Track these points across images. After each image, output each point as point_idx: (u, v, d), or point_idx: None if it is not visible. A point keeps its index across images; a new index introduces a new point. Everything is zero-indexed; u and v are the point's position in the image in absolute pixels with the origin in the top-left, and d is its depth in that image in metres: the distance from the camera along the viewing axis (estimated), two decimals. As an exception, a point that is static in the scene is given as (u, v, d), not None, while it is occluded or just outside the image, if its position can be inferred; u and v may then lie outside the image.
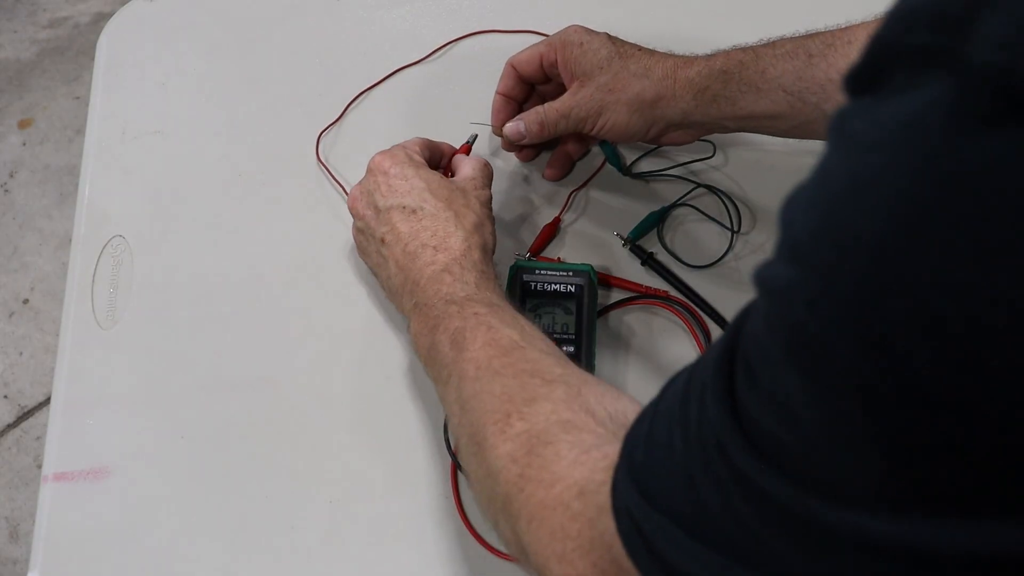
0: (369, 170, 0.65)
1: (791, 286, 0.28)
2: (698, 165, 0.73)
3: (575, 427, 0.46)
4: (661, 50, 0.67)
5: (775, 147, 0.73)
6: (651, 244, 0.71)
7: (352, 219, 0.67)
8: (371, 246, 0.65)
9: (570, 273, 0.66)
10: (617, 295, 0.69)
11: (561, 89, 0.70)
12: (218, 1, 0.87)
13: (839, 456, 0.28)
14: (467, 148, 0.72)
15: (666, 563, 0.34)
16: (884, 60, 0.27)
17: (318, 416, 0.67)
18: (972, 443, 0.26)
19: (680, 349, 0.68)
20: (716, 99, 0.64)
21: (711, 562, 0.33)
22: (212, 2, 0.87)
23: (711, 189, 0.72)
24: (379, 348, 0.69)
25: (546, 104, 0.68)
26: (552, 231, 0.72)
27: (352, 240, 0.71)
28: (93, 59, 0.85)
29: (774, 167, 0.74)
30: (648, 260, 0.70)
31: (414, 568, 0.62)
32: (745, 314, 0.33)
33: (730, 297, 0.68)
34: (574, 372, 0.51)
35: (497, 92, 0.72)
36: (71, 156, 1.82)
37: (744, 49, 0.64)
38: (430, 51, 0.81)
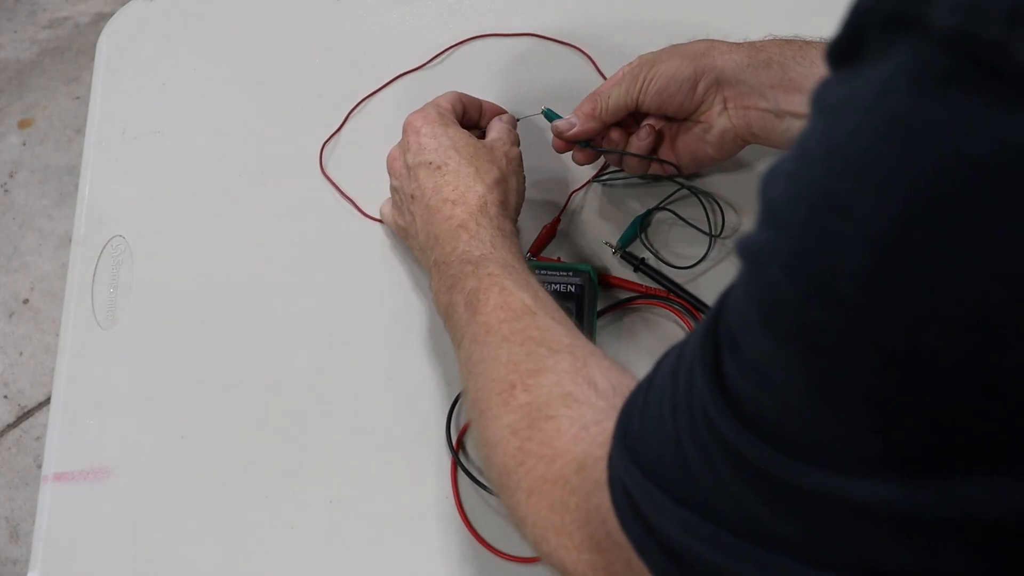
0: (404, 129, 0.66)
1: (766, 248, 0.29)
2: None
3: (576, 400, 0.46)
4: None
5: (761, 152, 0.73)
6: (642, 250, 0.71)
7: (389, 178, 0.68)
8: (403, 204, 0.66)
9: (570, 273, 0.66)
10: (617, 295, 0.69)
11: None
12: (218, 1, 0.87)
13: (815, 419, 0.29)
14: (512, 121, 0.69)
15: (651, 527, 0.35)
16: (860, 30, 0.28)
17: (318, 416, 0.67)
18: (943, 402, 0.26)
19: (680, 349, 0.67)
20: (770, 62, 0.62)
21: (692, 525, 0.33)
22: (212, 2, 0.87)
23: (692, 191, 0.71)
24: (379, 348, 0.69)
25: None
26: (552, 231, 0.72)
27: (353, 241, 0.71)
28: (93, 59, 0.85)
29: (758, 170, 0.73)
30: (640, 267, 0.69)
31: (414, 568, 0.62)
32: (730, 288, 0.33)
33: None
34: (582, 343, 0.51)
35: None
36: (71, 156, 1.82)
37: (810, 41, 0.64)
38: (429, 54, 0.81)
